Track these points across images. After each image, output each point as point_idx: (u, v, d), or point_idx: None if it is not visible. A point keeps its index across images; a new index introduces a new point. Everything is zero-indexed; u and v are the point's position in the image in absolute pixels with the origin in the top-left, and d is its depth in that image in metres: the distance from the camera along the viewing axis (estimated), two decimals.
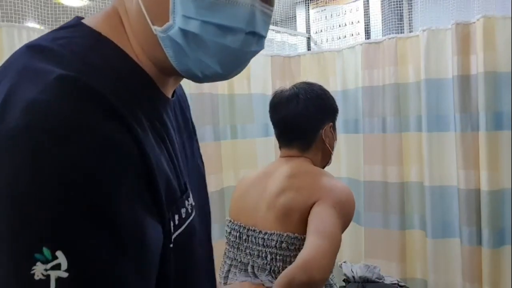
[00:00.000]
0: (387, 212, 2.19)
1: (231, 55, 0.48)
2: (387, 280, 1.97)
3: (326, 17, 2.69)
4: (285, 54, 2.50)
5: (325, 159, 1.17)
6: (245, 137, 2.25)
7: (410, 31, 2.36)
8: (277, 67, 2.40)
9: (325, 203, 0.98)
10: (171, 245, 0.46)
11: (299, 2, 3.54)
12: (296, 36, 3.02)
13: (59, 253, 0.33)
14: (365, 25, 2.54)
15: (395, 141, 2.16)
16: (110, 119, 0.39)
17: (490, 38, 1.84)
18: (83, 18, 0.52)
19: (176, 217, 0.47)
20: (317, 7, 2.71)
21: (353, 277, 1.94)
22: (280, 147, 1.19)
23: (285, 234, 1.01)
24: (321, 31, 2.71)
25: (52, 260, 0.33)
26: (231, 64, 0.50)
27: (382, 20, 2.45)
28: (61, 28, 0.49)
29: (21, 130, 0.35)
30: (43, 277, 0.32)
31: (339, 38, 2.63)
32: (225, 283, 1.11)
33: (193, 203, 0.53)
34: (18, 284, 0.33)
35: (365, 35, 2.53)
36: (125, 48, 0.48)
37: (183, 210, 0.49)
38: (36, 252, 0.32)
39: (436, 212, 2.03)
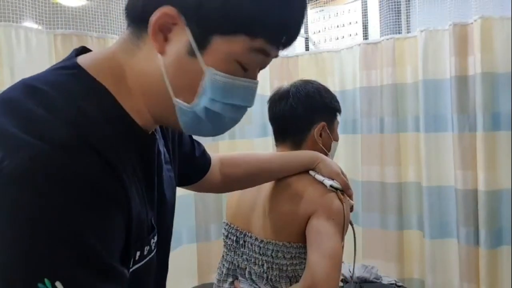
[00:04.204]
0: (385, 213, 2.19)
1: (234, 124, 0.59)
2: (385, 280, 1.97)
3: (324, 17, 2.69)
4: (283, 54, 2.50)
5: None
6: (243, 137, 2.25)
7: (408, 32, 2.36)
8: (275, 67, 2.40)
9: (323, 216, 0.96)
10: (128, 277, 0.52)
11: None
12: None
13: (58, 284, 0.41)
14: (363, 26, 2.54)
15: (393, 141, 2.16)
16: (104, 171, 0.46)
17: (488, 39, 1.85)
18: (81, 51, 0.57)
19: (138, 253, 0.54)
20: (315, 7, 2.71)
21: (351, 277, 1.94)
22: (275, 144, 1.18)
23: (281, 243, 0.99)
24: (319, 31, 2.70)
25: None
26: (229, 128, 0.61)
27: (380, 20, 2.44)
28: (60, 68, 0.53)
29: (24, 173, 0.42)
30: None
31: (337, 38, 2.63)
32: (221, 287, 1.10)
33: (156, 240, 0.59)
34: None
35: (363, 36, 2.53)
36: (119, 98, 0.53)
37: (146, 248, 0.56)
38: (39, 282, 0.40)
39: (434, 213, 2.03)
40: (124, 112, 0.53)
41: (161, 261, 0.65)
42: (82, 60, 0.54)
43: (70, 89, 0.50)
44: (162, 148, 0.66)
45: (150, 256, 0.57)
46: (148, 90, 0.54)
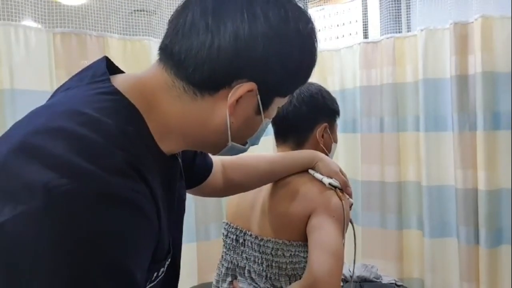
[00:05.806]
0: (385, 212, 2.19)
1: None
2: (385, 280, 1.97)
3: (324, 16, 2.69)
4: None
5: None
6: None
7: (408, 31, 2.35)
8: None
9: (323, 214, 0.96)
10: None
11: (297, 1, 3.52)
12: None
13: None
14: (363, 25, 2.53)
15: (393, 140, 2.16)
16: (149, 200, 0.48)
17: (488, 38, 1.84)
18: (116, 70, 0.59)
19: (155, 274, 0.57)
20: (315, 6, 2.70)
21: (351, 276, 1.94)
22: (276, 145, 1.18)
23: (280, 241, 1.00)
24: (319, 30, 2.70)
25: None
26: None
27: (380, 19, 2.44)
28: (102, 93, 0.53)
29: (77, 196, 0.41)
30: None
31: (337, 37, 2.63)
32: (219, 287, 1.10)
33: (169, 262, 0.62)
34: None
35: (363, 35, 2.52)
36: (150, 126, 0.55)
37: (162, 270, 0.59)
38: None
39: (434, 212, 2.03)
40: (153, 138, 0.55)
41: (171, 278, 0.66)
42: (117, 84, 0.54)
43: (118, 115, 0.50)
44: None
45: (161, 276, 0.60)
46: (197, 134, 0.59)
